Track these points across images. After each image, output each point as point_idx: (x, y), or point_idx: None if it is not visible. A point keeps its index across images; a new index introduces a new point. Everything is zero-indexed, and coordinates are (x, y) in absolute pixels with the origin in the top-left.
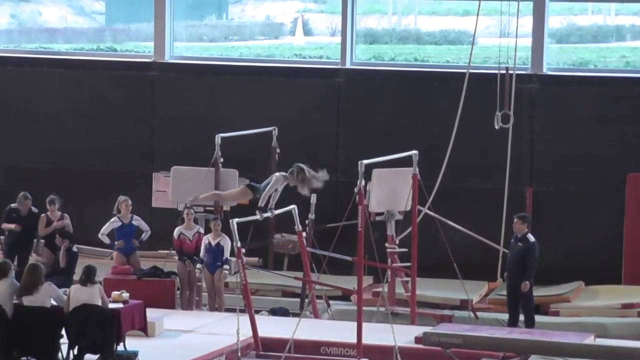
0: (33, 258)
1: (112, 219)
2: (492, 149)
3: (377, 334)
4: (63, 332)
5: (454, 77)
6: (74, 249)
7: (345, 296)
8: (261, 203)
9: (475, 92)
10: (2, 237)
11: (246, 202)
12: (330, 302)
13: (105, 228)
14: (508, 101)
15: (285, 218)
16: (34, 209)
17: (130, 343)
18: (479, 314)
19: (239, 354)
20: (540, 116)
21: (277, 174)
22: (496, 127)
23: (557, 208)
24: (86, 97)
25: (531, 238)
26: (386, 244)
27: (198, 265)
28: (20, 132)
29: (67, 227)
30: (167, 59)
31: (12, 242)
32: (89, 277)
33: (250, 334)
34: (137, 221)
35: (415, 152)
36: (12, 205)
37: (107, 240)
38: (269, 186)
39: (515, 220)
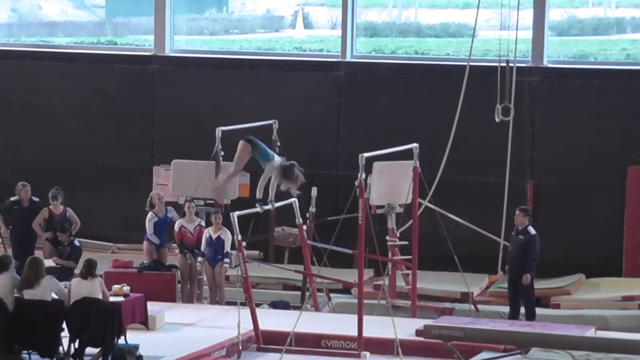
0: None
1: (149, 216)
2: (492, 141)
3: (378, 327)
4: (64, 325)
5: (455, 70)
6: (77, 243)
7: (346, 289)
8: (258, 195)
9: (475, 85)
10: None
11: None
12: (331, 295)
13: (149, 228)
14: (509, 94)
15: (286, 211)
16: (35, 199)
17: (131, 336)
18: (479, 306)
19: (240, 347)
20: (541, 109)
21: (276, 162)
22: (497, 120)
23: (558, 201)
24: (87, 90)
25: (532, 231)
26: (387, 237)
27: (199, 259)
28: (20, 126)
29: (72, 220)
30: (168, 52)
31: (19, 237)
32: (89, 270)
33: (251, 327)
34: (171, 212)
35: (415, 145)
36: (12, 198)
37: (157, 240)
38: (263, 175)
39: (516, 212)
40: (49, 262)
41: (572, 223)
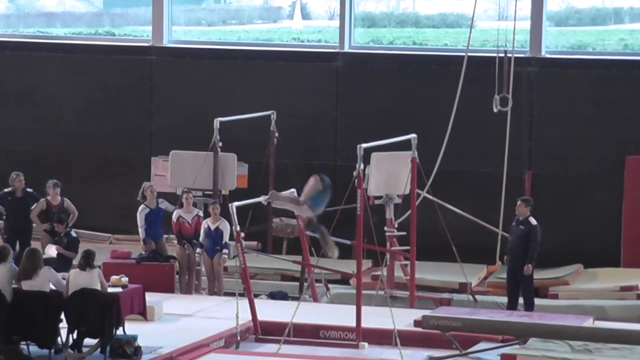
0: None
1: (140, 208)
2: (490, 132)
3: (376, 318)
4: (62, 316)
5: (453, 60)
6: (73, 233)
7: (344, 280)
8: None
9: (473, 76)
10: (1, 222)
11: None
12: (330, 285)
13: (140, 219)
14: (507, 84)
15: None
16: (28, 189)
17: (130, 327)
18: (477, 297)
19: (238, 338)
20: (539, 99)
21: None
22: (495, 110)
23: (556, 191)
24: (84, 81)
25: (533, 221)
26: (385, 228)
27: (197, 250)
28: (18, 117)
29: (70, 211)
30: (166, 43)
31: (12, 227)
32: (87, 261)
33: (250, 317)
34: (163, 203)
35: (413, 135)
36: (6, 189)
37: (143, 234)
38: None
39: (518, 202)
40: (50, 249)
41: (570, 213)
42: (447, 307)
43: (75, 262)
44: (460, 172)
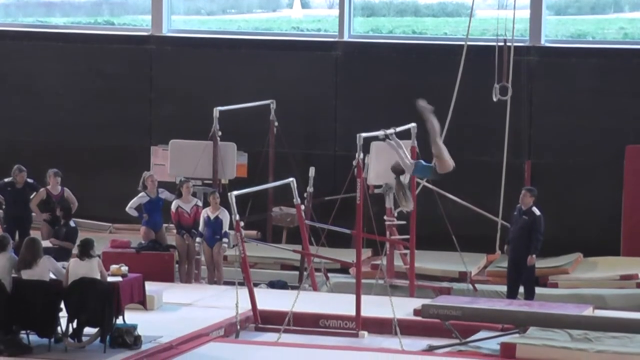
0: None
1: (140, 194)
2: (490, 121)
3: (376, 307)
4: (62, 305)
5: (452, 49)
6: (72, 223)
7: (344, 269)
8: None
9: (473, 65)
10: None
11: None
12: (329, 274)
13: (133, 202)
14: (506, 73)
15: (283, 191)
16: (30, 180)
17: (129, 316)
18: (477, 286)
19: (238, 327)
20: (539, 88)
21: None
22: (494, 99)
23: (556, 180)
24: (84, 71)
25: (537, 211)
26: (385, 217)
27: (197, 239)
28: (18, 106)
29: (70, 200)
30: (165, 32)
31: (12, 217)
32: (84, 250)
33: (249, 307)
34: (163, 193)
35: (413, 124)
36: (6, 179)
37: (135, 214)
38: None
39: (523, 192)
40: (46, 243)
41: (570, 202)
42: (446, 296)
43: (75, 251)
44: (460, 161)
